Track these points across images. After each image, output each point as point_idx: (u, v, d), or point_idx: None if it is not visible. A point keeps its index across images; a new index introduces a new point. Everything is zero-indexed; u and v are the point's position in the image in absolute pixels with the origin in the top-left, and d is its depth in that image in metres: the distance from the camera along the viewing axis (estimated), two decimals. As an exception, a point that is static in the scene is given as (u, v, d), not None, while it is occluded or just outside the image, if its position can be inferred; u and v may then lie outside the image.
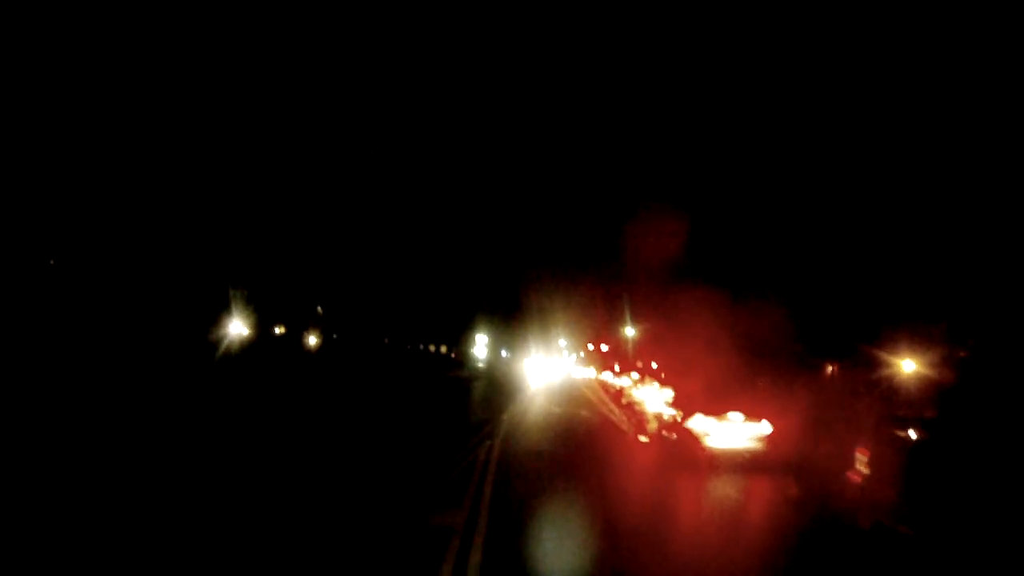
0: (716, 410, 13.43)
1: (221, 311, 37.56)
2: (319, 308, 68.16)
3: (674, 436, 14.47)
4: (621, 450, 16.27)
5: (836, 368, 33.78)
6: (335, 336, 63.32)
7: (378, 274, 62.21)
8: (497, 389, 34.64)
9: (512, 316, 71.83)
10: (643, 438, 17.88)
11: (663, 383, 23.68)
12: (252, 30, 39.46)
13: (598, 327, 66.90)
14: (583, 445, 16.50)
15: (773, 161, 29.87)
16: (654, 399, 23.02)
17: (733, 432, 13.29)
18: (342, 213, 53.20)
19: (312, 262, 52.36)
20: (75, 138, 27.80)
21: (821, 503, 10.18)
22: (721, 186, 32.87)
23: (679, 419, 14.33)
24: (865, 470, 8.64)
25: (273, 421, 16.59)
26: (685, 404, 14.70)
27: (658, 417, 17.57)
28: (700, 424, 13.32)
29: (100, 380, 18.15)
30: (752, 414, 13.57)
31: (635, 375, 39.69)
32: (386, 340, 72.04)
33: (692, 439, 13.37)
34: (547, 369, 64.99)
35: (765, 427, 13.51)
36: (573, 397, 33.39)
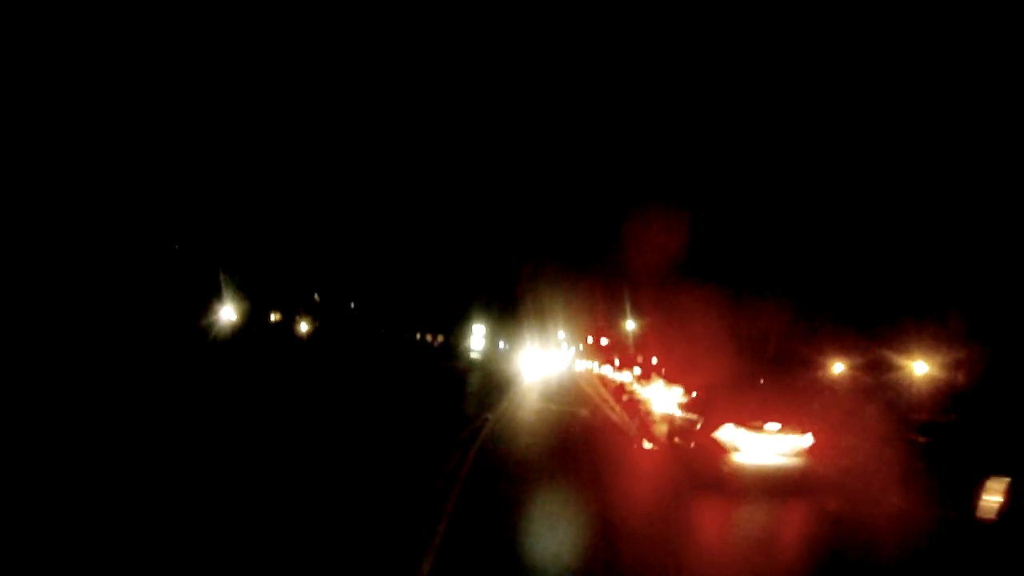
0: (750, 419, 10.52)
1: (212, 297, 36.54)
2: (316, 296, 67.39)
3: (692, 445, 11.55)
4: (625, 461, 13.31)
5: (846, 369, 32.44)
6: (331, 324, 61.08)
7: (376, 262, 60.49)
8: (490, 382, 31.71)
9: (511, 307, 69.46)
10: (648, 444, 14.98)
11: (669, 380, 20.80)
12: (239, 15, 36.86)
13: (598, 320, 64.58)
14: (578, 454, 13.44)
15: (780, 157, 28.81)
16: (661, 398, 20.15)
17: (769, 445, 10.40)
18: (341, 202, 51.22)
19: (310, 250, 51.33)
20: (66, 123, 26.35)
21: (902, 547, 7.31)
22: (727, 181, 31.95)
23: (699, 426, 11.42)
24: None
25: (237, 412, 13.79)
26: (706, 409, 11.78)
27: (668, 420, 14.71)
28: (730, 435, 10.41)
29: (84, 363, 16.56)
30: (791, 423, 10.70)
31: (637, 370, 36.97)
32: (383, 329, 70.05)
33: (718, 451, 10.46)
34: (544, 362, 62.13)
35: (806, 439, 10.64)
36: (570, 393, 30.44)
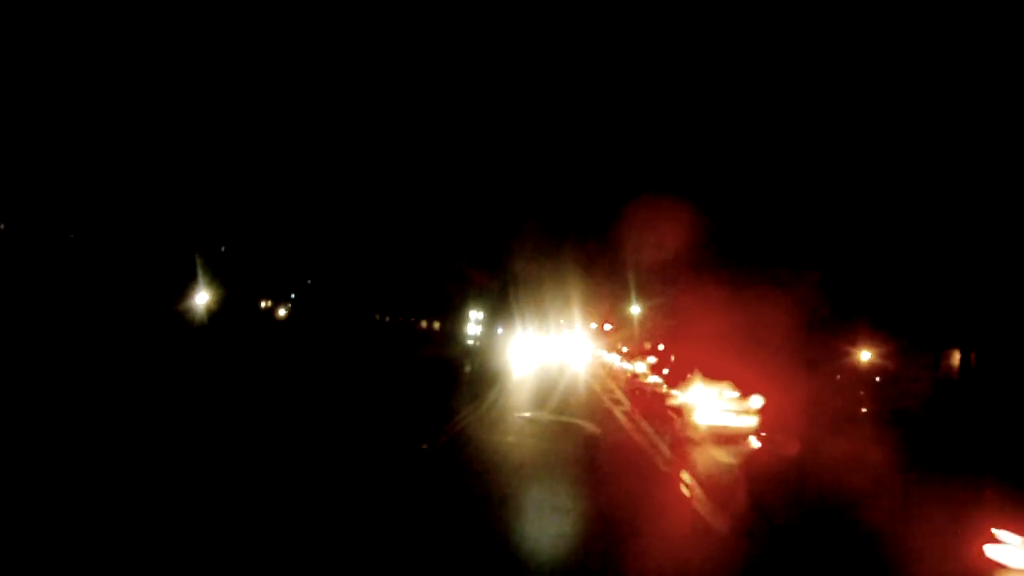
0: None
1: (188, 283, 35.93)
2: (308, 281, 63.79)
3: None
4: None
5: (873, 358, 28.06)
6: (304, 309, 57.75)
7: (367, 246, 57.42)
8: (476, 375, 25.13)
9: (508, 292, 63.88)
10: (695, 497, 8.04)
11: (712, 377, 14.06)
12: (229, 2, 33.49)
13: (602, 304, 59.65)
14: (582, 523, 6.33)
15: (793, 138, 27.02)
16: (704, 403, 13.42)
17: None
18: (330, 187, 48.19)
19: (301, 234, 49.53)
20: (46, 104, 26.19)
21: None
22: (745, 158, 29.76)
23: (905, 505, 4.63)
24: None
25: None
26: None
27: (729, 440, 7.98)
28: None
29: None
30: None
31: (652, 359, 30.53)
32: (377, 315, 66.22)
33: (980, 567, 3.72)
34: (541, 350, 55.55)
35: None
36: (572, 391, 23.38)
